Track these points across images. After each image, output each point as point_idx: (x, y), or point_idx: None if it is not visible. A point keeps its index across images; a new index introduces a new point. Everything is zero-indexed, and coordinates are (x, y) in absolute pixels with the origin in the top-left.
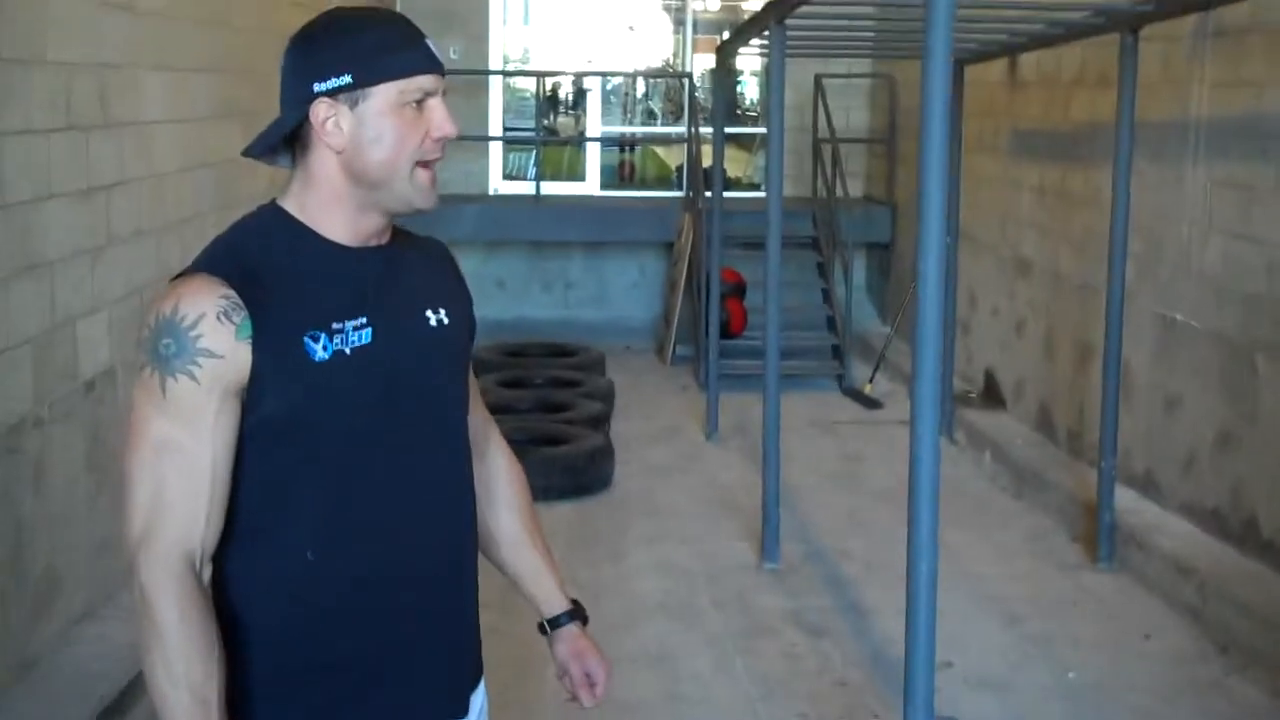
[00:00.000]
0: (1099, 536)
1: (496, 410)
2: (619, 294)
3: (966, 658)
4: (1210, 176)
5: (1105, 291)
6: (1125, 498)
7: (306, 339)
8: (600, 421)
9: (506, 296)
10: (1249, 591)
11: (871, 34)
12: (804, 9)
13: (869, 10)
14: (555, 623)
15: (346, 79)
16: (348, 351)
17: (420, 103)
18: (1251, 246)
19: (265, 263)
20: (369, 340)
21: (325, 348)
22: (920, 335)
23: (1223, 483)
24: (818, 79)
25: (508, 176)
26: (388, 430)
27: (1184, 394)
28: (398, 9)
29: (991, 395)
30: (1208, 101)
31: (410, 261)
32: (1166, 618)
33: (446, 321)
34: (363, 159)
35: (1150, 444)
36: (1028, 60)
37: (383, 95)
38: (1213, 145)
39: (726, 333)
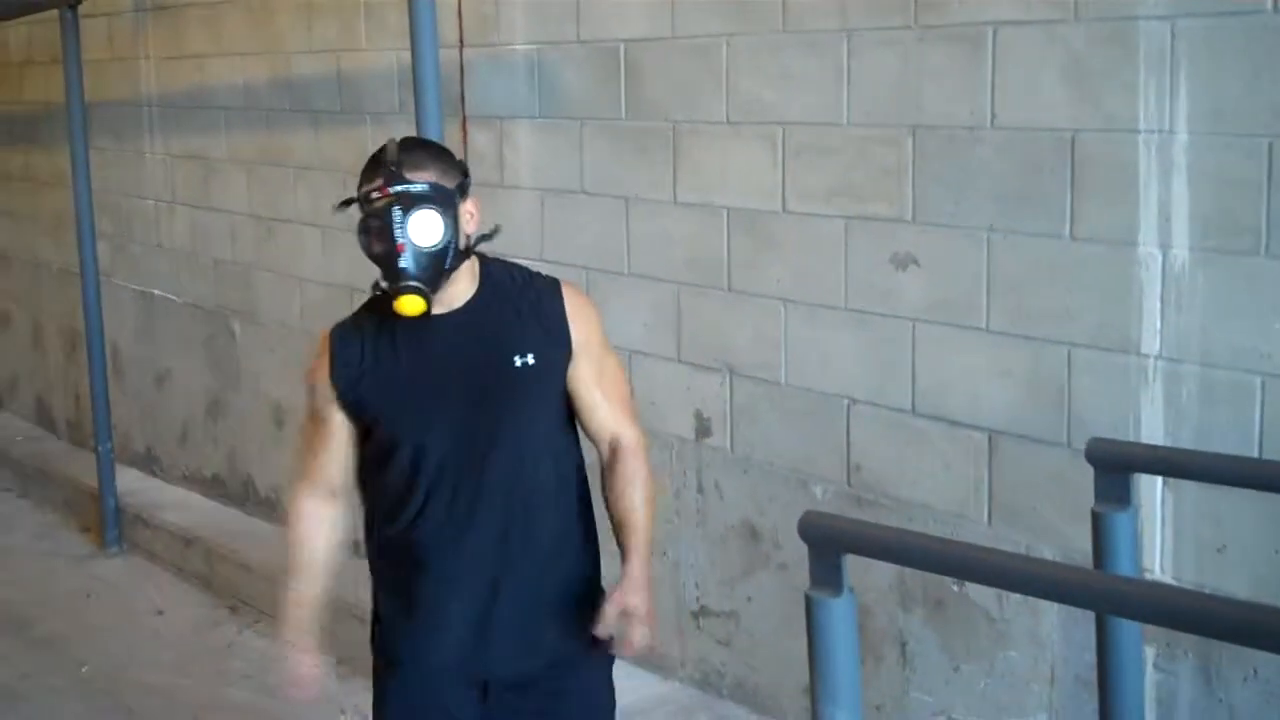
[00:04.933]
0: (105, 522)
1: None
2: None
3: None
4: (169, 150)
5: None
6: (130, 478)
7: None
8: None
9: None
10: (252, 550)
11: None
12: None
13: None
14: None
15: None
16: None
17: None
18: (215, 215)
19: None
20: None
21: None
22: None
23: (218, 449)
24: None
25: None
26: None
27: (173, 367)
28: None
29: None
30: (157, 76)
31: None
32: (178, 590)
33: None
34: None
35: (147, 421)
36: None
37: None
38: (168, 119)
39: None
